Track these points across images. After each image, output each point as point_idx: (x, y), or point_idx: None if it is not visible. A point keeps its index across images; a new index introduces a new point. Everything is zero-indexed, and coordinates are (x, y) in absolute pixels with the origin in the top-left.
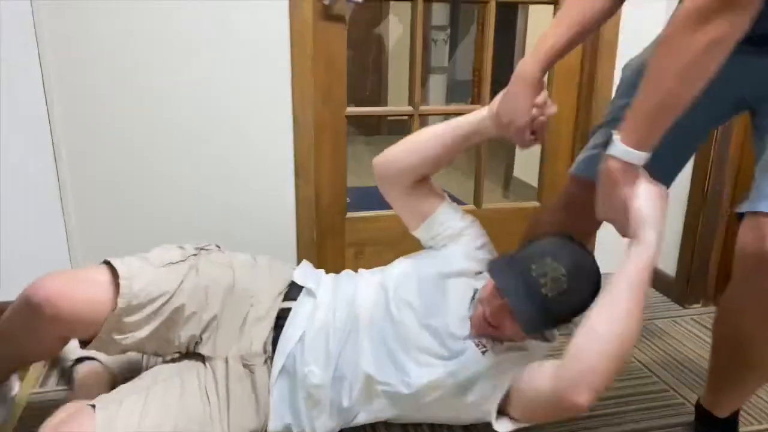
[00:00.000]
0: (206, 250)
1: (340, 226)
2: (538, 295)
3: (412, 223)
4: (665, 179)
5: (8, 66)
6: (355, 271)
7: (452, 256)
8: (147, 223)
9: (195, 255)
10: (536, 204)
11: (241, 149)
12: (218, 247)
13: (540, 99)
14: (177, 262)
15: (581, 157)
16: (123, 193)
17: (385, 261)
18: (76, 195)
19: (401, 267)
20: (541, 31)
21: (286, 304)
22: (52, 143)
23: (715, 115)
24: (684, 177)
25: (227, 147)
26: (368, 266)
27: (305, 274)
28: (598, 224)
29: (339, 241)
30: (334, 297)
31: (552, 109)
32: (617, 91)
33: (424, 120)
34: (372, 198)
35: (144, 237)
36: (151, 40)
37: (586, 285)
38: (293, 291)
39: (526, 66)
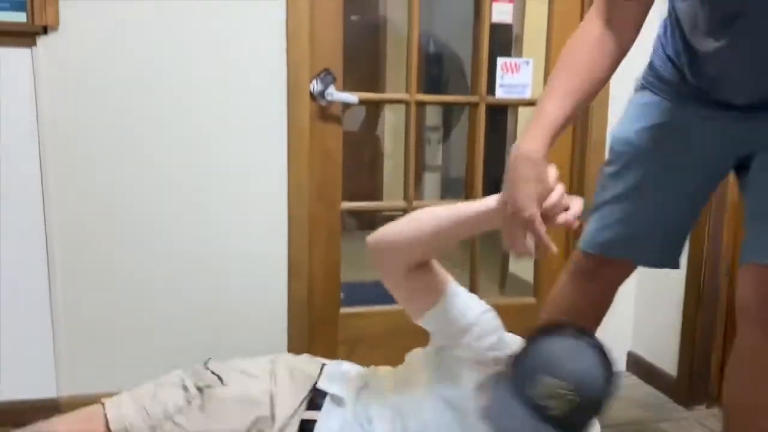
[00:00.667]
0: (209, 387)
1: (333, 322)
2: (549, 420)
3: (413, 313)
4: (677, 248)
5: (8, 164)
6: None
7: (464, 374)
8: (136, 326)
9: (199, 393)
10: (532, 300)
11: (235, 243)
12: (219, 378)
13: (552, 178)
14: (180, 409)
15: (596, 232)
16: (113, 293)
17: (378, 360)
18: (65, 293)
19: (416, 392)
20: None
21: (310, 415)
22: (46, 246)
23: (710, 175)
24: (679, 274)
25: (221, 235)
26: (361, 364)
27: (330, 378)
28: (612, 298)
29: (331, 337)
30: (353, 418)
31: (577, 206)
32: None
33: None
34: (366, 293)
35: (132, 340)
36: (150, 145)
37: (600, 386)
38: (318, 396)
39: (528, 143)
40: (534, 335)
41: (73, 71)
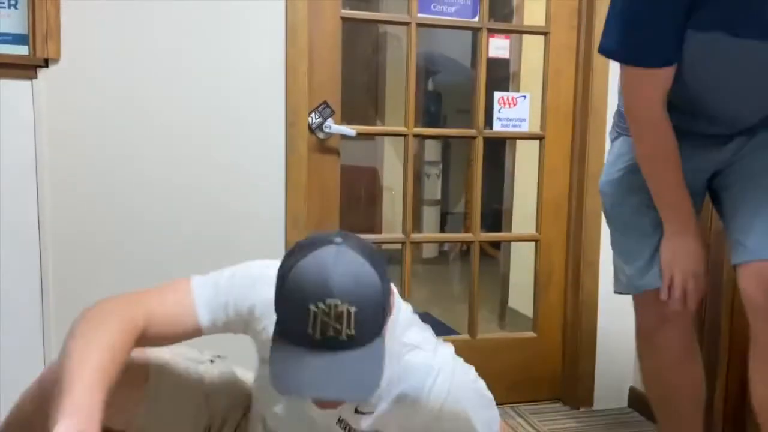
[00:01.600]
0: (221, 358)
1: None
2: (341, 345)
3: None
4: None
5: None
6: None
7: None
8: None
9: (212, 361)
10: (532, 334)
11: None
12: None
13: None
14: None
15: (638, 274)
16: None
17: None
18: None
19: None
20: (529, 163)
21: None
22: (41, 277)
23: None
24: None
25: (217, 268)
26: None
27: None
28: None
29: None
30: None
31: None
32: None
33: (416, 248)
34: None
35: None
36: (150, 176)
37: (374, 280)
38: None
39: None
40: (282, 266)
41: (74, 103)
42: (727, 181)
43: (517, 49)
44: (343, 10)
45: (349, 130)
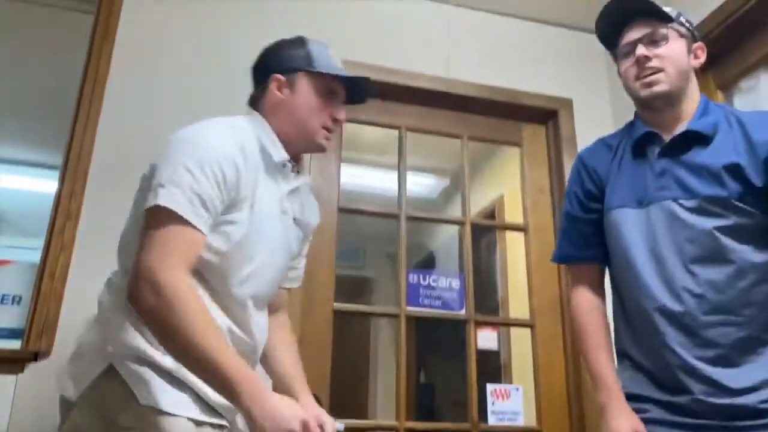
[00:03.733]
0: None
1: None
2: None
3: None
4: None
5: None
6: None
7: None
8: None
9: None
10: None
11: None
12: None
13: None
14: None
15: None
16: None
17: None
18: None
19: None
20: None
21: None
22: None
23: None
24: None
25: None
26: None
27: None
28: None
29: None
30: None
31: None
32: None
33: None
34: None
35: None
36: None
37: None
38: None
39: (622, 420)
40: None
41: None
42: None
43: (506, 341)
44: (335, 303)
45: (339, 425)
